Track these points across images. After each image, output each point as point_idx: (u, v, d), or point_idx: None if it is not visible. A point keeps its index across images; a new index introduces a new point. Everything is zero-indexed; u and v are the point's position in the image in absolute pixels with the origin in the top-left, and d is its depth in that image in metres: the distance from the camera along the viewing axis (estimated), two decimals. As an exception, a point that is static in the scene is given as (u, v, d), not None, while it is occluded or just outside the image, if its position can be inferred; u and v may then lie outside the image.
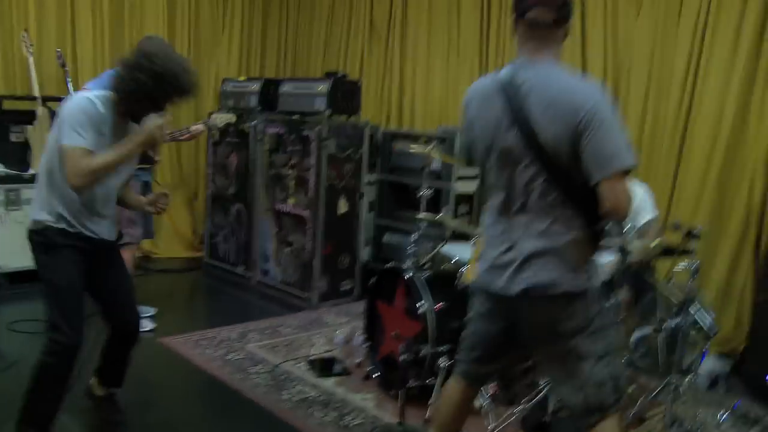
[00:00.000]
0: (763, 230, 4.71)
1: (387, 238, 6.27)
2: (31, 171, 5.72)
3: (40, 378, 3.00)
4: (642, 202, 4.09)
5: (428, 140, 4.76)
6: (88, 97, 2.90)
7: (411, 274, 3.80)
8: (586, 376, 2.33)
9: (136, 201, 3.39)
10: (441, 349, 3.64)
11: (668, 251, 3.64)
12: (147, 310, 5.01)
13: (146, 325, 4.75)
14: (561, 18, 2.31)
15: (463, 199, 5.93)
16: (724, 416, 3.82)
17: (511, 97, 2.27)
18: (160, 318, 4.99)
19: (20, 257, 5.46)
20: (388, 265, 4.16)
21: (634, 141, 5.20)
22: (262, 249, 6.13)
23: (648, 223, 4.05)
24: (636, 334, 4.29)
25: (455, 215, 5.71)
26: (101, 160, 2.81)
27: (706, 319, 3.69)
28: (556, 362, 2.43)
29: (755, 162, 4.73)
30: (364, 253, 6.20)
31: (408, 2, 6.94)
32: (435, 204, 5.85)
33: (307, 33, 8.16)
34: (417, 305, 3.68)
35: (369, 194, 6.32)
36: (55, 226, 2.95)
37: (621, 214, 2.22)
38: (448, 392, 2.74)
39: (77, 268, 3.02)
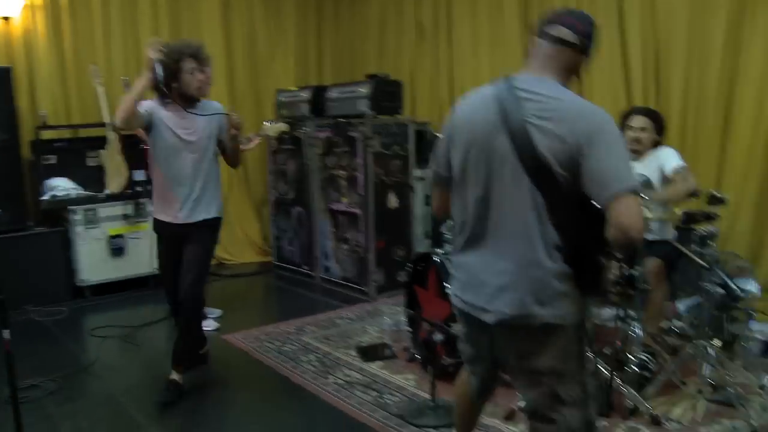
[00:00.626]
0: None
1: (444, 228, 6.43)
2: (107, 191, 6.20)
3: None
4: (669, 153, 4.11)
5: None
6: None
7: (439, 257, 3.97)
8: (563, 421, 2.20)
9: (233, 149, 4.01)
10: (471, 326, 3.79)
11: (691, 218, 3.65)
12: (213, 312, 5.38)
13: (210, 325, 5.11)
14: (581, 46, 2.18)
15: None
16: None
17: (506, 103, 2.11)
18: (226, 318, 5.34)
19: (101, 271, 6.01)
20: (421, 251, 4.34)
21: (679, 114, 5.21)
22: (322, 248, 6.43)
23: (677, 170, 4.02)
24: (682, 304, 4.34)
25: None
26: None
27: (736, 284, 3.70)
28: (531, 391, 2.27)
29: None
30: (424, 245, 6.37)
31: (452, 2, 7.11)
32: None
33: (361, 38, 8.45)
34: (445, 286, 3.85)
35: (423, 189, 6.52)
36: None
37: (628, 237, 1.92)
38: (463, 388, 2.69)
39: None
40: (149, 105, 3.72)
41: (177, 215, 3.84)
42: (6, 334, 2.53)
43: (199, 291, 3.89)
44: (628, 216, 1.91)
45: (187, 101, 3.79)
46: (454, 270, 2.38)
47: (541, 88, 2.10)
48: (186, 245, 3.84)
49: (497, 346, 2.28)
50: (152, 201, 4.07)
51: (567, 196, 2.03)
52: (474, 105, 2.26)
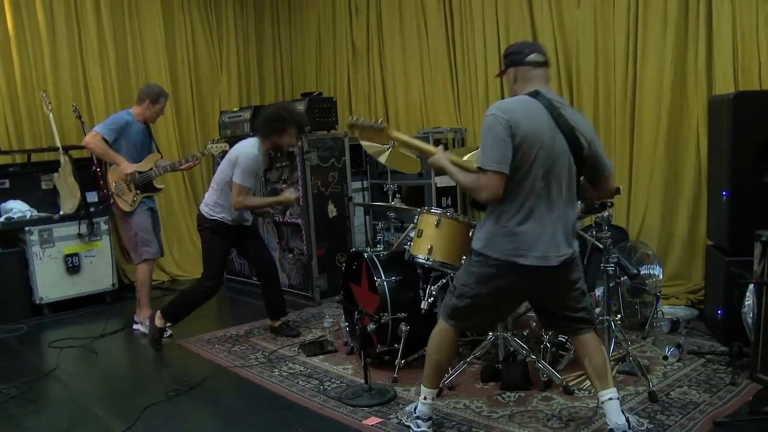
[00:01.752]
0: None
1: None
2: (60, 212, 6.47)
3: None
4: None
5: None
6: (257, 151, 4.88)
7: (366, 254, 4.39)
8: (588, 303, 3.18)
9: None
10: (400, 315, 4.21)
11: (589, 208, 4.09)
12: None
13: (165, 332, 5.44)
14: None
15: (445, 191, 6.49)
16: (671, 351, 4.24)
17: (554, 113, 2.96)
18: (179, 326, 5.62)
19: (58, 288, 6.27)
20: (353, 249, 4.75)
21: (591, 115, 5.76)
22: (269, 258, 6.76)
23: None
24: (598, 290, 4.78)
25: (439, 206, 6.23)
26: (256, 201, 5.09)
27: (628, 267, 4.17)
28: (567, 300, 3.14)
29: (698, 123, 5.19)
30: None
31: (382, 22, 7.60)
32: (419, 198, 6.45)
33: (300, 58, 8.95)
34: (375, 279, 4.26)
35: (361, 199, 6.94)
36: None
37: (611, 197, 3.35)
38: (445, 336, 3.27)
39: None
40: None
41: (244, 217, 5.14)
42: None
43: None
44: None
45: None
46: (511, 237, 2.98)
47: (561, 99, 3.07)
48: (249, 239, 5.31)
49: (556, 278, 3.06)
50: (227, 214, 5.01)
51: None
52: (531, 118, 2.94)
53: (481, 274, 3.06)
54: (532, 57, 3.08)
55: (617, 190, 4.13)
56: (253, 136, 5.11)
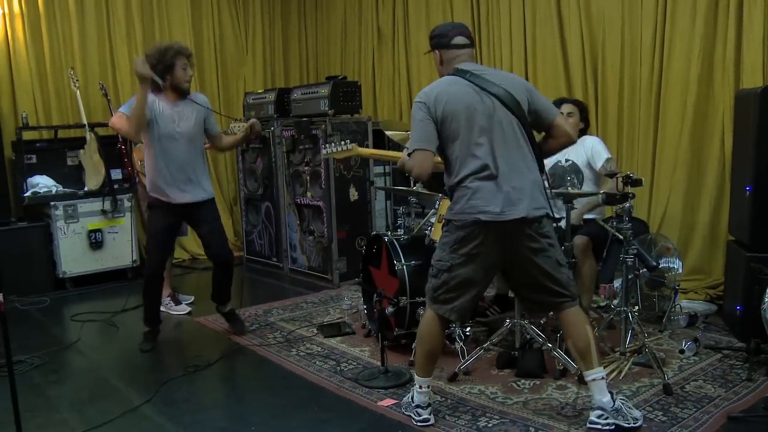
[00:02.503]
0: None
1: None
2: (85, 188, 6.55)
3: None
4: (596, 146, 4.65)
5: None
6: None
7: (387, 238, 4.42)
8: (565, 275, 3.20)
9: (233, 140, 4.94)
10: (419, 299, 4.24)
11: (611, 198, 4.09)
12: (186, 298, 5.79)
13: (184, 309, 5.52)
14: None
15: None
16: (688, 345, 4.24)
17: (475, 80, 3.12)
18: (198, 304, 5.74)
19: (81, 263, 6.37)
20: (374, 233, 4.77)
21: (615, 107, 5.73)
22: (289, 240, 6.84)
23: (607, 162, 4.61)
24: (617, 282, 4.77)
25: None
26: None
27: (647, 259, 4.16)
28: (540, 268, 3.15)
29: (723, 117, 5.14)
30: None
31: (408, 8, 7.59)
32: (440, 184, 6.44)
33: (325, 42, 8.96)
34: (395, 263, 4.29)
35: (383, 183, 6.97)
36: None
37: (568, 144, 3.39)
38: (432, 323, 3.30)
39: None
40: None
41: (178, 197, 4.52)
42: (0, 297, 2.90)
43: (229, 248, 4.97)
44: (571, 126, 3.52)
45: (179, 94, 4.48)
46: (468, 197, 3.08)
47: (484, 67, 3.26)
48: (199, 222, 4.71)
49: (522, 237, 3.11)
50: (148, 184, 4.60)
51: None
52: (448, 89, 3.13)
53: (450, 243, 3.15)
54: (456, 40, 3.25)
55: (639, 182, 4.15)
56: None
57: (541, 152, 3.27)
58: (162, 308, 5.58)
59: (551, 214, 3.21)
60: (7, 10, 6.62)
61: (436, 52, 3.30)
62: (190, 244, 7.80)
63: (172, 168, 4.50)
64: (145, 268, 4.69)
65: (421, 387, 3.37)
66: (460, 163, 3.11)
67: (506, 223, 3.03)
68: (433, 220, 4.27)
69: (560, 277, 3.17)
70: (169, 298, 5.58)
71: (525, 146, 3.15)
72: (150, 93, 4.37)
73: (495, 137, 3.08)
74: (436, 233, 4.11)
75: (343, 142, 3.84)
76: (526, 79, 6.37)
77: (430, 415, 3.37)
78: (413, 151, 3.09)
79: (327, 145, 3.89)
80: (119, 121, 5.08)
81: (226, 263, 4.87)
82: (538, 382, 3.85)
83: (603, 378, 3.15)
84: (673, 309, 4.84)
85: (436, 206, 4.23)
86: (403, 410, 3.51)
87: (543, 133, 3.36)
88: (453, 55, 3.25)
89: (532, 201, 3.08)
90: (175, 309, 5.57)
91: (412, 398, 3.42)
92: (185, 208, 4.61)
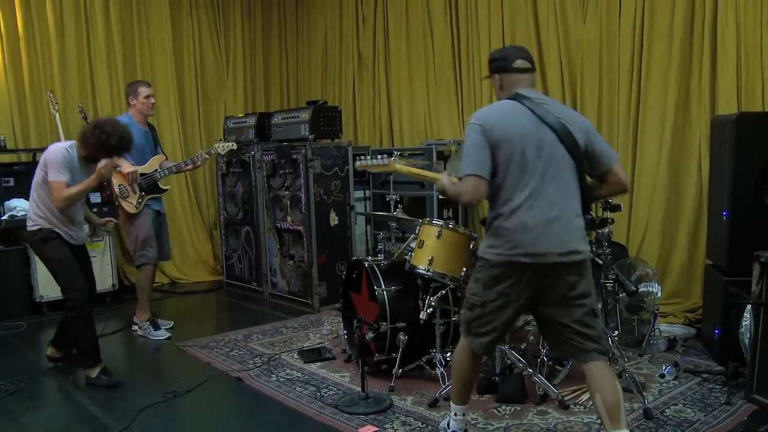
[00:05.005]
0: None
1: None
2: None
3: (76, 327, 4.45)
4: None
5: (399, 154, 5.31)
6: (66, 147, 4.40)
7: (367, 264, 4.41)
8: (599, 327, 3.00)
9: (93, 219, 5.04)
10: (399, 325, 4.23)
11: (591, 223, 4.11)
12: (165, 323, 5.75)
13: (163, 334, 5.47)
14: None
15: (446, 203, 6.49)
16: (668, 369, 4.25)
17: (537, 111, 2.96)
18: (179, 328, 5.70)
19: (58, 287, 6.25)
20: (354, 258, 4.77)
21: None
22: (269, 264, 6.82)
23: None
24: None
25: (440, 218, 6.24)
26: (74, 190, 4.36)
27: (626, 284, 4.20)
28: (571, 314, 2.97)
29: (700, 143, 5.21)
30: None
31: (388, 33, 7.65)
32: (421, 209, 6.48)
33: (306, 66, 9.01)
34: (375, 288, 4.28)
35: (363, 208, 6.97)
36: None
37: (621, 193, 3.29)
38: (467, 353, 3.21)
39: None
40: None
41: (78, 236, 4.67)
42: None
43: None
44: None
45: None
46: (507, 236, 2.93)
47: (547, 98, 3.08)
48: (81, 258, 4.67)
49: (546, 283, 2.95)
50: (48, 220, 4.51)
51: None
52: (506, 115, 2.98)
53: (484, 279, 3.03)
54: (518, 63, 3.09)
55: (618, 207, 4.19)
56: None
57: (589, 196, 3.11)
58: (139, 333, 5.55)
59: (591, 260, 3.08)
60: (-14, 32, 6.59)
61: (496, 76, 3.13)
62: (169, 269, 7.75)
63: (70, 211, 4.54)
64: (71, 294, 4.46)
65: (456, 414, 3.32)
66: (505, 195, 2.94)
67: (545, 266, 2.89)
68: (413, 245, 4.27)
69: (592, 328, 2.96)
70: (148, 323, 5.52)
71: (574, 188, 2.98)
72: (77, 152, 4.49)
73: (546, 174, 2.91)
74: (416, 258, 4.10)
75: (380, 156, 3.74)
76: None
77: None
78: (466, 176, 2.92)
79: (362, 157, 3.79)
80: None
81: (94, 294, 4.95)
82: (518, 408, 3.85)
83: None
84: (653, 333, 4.87)
85: (417, 231, 4.23)
86: None
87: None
88: (514, 79, 3.08)
89: (574, 245, 2.92)
90: (154, 334, 5.52)
91: (448, 425, 3.39)
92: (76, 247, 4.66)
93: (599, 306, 4.47)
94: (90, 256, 4.90)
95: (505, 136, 2.91)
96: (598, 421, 3.50)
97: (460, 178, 2.97)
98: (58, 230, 4.49)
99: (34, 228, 4.47)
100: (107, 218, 5.10)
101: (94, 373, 4.48)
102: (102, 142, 4.33)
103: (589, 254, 3.01)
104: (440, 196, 6.31)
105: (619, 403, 2.86)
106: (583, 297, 2.96)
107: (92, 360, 4.51)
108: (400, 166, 3.63)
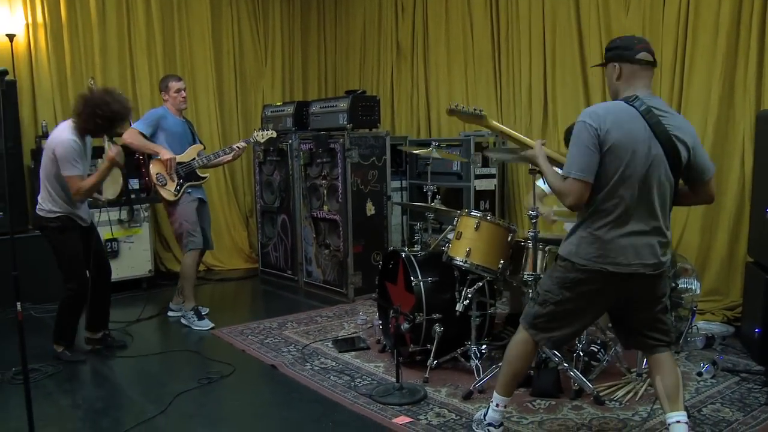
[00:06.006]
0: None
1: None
2: (103, 197, 6.57)
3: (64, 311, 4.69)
4: None
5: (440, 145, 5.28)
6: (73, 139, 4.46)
7: (404, 254, 4.40)
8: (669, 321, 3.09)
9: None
10: (435, 316, 4.22)
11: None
12: (203, 309, 5.77)
13: (207, 324, 5.54)
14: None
15: (483, 195, 6.49)
16: (706, 368, 4.19)
17: (651, 120, 2.84)
18: (214, 315, 5.71)
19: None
20: (390, 248, 4.76)
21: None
22: (305, 253, 6.84)
23: None
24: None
25: (477, 209, 6.22)
26: (90, 182, 4.53)
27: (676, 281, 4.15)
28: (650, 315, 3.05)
29: (744, 138, 5.11)
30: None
31: (428, 23, 7.61)
32: (458, 201, 6.45)
33: (344, 56, 9.00)
34: (411, 279, 4.27)
35: (400, 198, 6.97)
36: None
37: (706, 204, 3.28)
38: (525, 345, 3.17)
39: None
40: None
41: (88, 215, 4.80)
42: (18, 306, 2.92)
43: None
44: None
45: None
46: (599, 244, 2.90)
47: (663, 106, 2.93)
48: (90, 237, 4.81)
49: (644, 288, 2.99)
50: (69, 204, 4.63)
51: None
52: (622, 125, 2.84)
53: (565, 280, 2.99)
54: (642, 55, 2.94)
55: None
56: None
57: (676, 201, 3.06)
58: (183, 321, 5.60)
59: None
60: (30, 20, 6.68)
61: (616, 65, 2.97)
62: (205, 256, 7.79)
63: None
64: (73, 284, 4.66)
65: (498, 405, 3.29)
66: (604, 204, 2.88)
67: (634, 277, 2.90)
68: (450, 236, 4.26)
69: (665, 324, 3.06)
70: (192, 312, 5.56)
71: (668, 202, 2.96)
72: (74, 129, 4.51)
73: (647, 188, 2.86)
74: (453, 250, 4.09)
75: (474, 107, 3.65)
76: (545, 94, 6.37)
77: None
78: (571, 177, 2.85)
79: (457, 104, 3.74)
80: (131, 136, 5.18)
81: (109, 270, 5.04)
82: (553, 402, 3.82)
83: (687, 423, 2.96)
84: (690, 330, 4.80)
85: (455, 222, 4.21)
86: (474, 427, 3.47)
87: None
88: (636, 71, 2.94)
89: (660, 254, 2.92)
90: (198, 324, 5.52)
91: (485, 416, 3.36)
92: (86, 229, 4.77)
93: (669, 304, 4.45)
94: (98, 233, 5.00)
95: (617, 145, 2.82)
96: (639, 415, 3.48)
97: (565, 178, 2.91)
98: (74, 216, 4.62)
99: (52, 216, 4.56)
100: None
101: (60, 348, 4.71)
102: (105, 116, 4.41)
103: (669, 264, 3.04)
104: (475, 181, 6.31)
105: (679, 386, 2.97)
106: (663, 297, 3.03)
107: (65, 341, 4.74)
108: (495, 123, 3.51)
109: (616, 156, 2.82)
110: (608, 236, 2.87)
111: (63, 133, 4.48)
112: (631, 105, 2.87)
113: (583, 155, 2.83)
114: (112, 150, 4.60)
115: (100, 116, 4.39)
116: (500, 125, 3.55)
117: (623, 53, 2.95)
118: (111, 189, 6.56)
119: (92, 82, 6.52)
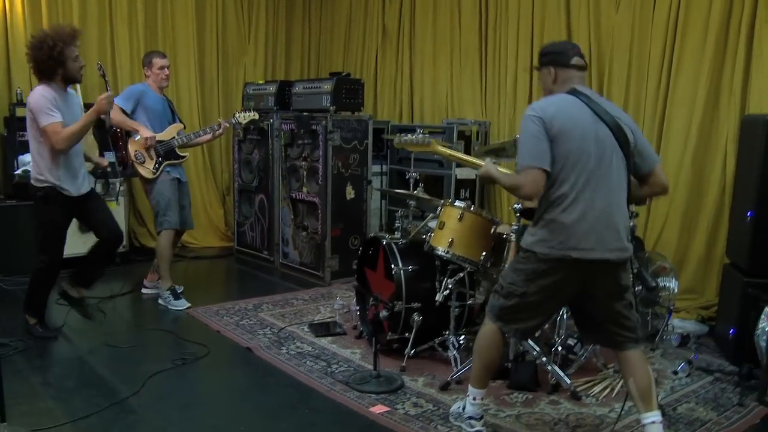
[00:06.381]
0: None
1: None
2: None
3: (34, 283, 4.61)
4: None
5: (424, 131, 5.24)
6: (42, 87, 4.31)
7: (385, 241, 4.37)
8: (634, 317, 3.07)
9: (93, 158, 5.04)
10: (414, 305, 4.20)
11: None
12: (178, 288, 5.68)
13: (183, 304, 5.46)
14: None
15: (464, 183, 6.46)
16: (681, 366, 4.22)
17: (594, 107, 2.95)
18: (188, 293, 5.63)
19: (70, 245, 6.16)
20: (371, 235, 4.72)
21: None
22: (282, 234, 6.78)
23: None
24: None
25: (457, 198, 6.20)
26: (74, 128, 4.27)
27: (647, 279, 4.15)
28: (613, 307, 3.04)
29: (727, 140, 5.13)
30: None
31: (415, 8, 7.54)
32: (438, 188, 6.42)
33: (329, 37, 8.91)
34: (391, 267, 4.24)
35: (380, 183, 6.92)
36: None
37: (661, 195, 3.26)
38: (493, 336, 3.18)
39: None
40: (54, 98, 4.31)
41: (81, 184, 4.57)
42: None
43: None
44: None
45: (67, 84, 4.53)
46: (560, 231, 2.91)
47: (600, 98, 3.06)
48: (92, 210, 4.70)
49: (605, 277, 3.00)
50: (51, 174, 4.41)
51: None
52: (566, 108, 2.95)
53: (528, 271, 3.00)
54: (575, 60, 3.07)
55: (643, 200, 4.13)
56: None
57: (631, 195, 3.08)
58: (160, 301, 5.51)
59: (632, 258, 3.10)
60: (6, -16, 6.50)
61: (552, 69, 3.09)
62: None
63: (72, 159, 4.47)
64: (45, 256, 4.60)
65: (474, 399, 3.28)
66: (560, 190, 2.91)
67: (593, 262, 2.90)
68: (431, 224, 4.23)
69: (630, 320, 3.04)
70: (168, 292, 5.47)
71: (624, 186, 2.99)
72: (45, 84, 4.36)
73: (602, 171, 2.91)
74: (436, 240, 4.06)
75: (422, 135, 3.67)
76: (530, 87, 6.35)
77: (482, 427, 3.31)
78: (525, 168, 2.88)
79: (403, 134, 3.73)
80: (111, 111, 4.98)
81: (118, 240, 4.92)
82: (530, 396, 3.83)
83: (661, 422, 3.00)
84: (666, 328, 4.83)
85: (438, 212, 4.18)
86: (452, 420, 3.46)
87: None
88: (570, 75, 3.06)
89: (621, 243, 2.95)
90: (174, 304, 5.44)
91: (464, 408, 3.35)
92: (80, 200, 4.57)
93: (634, 300, 4.46)
94: (103, 200, 4.91)
95: (565, 131, 2.89)
96: (615, 412, 3.49)
97: (519, 171, 2.93)
98: (59, 188, 4.41)
99: (39, 185, 4.41)
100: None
101: (32, 321, 4.65)
102: (51, 48, 4.27)
103: (632, 252, 3.03)
104: (456, 169, 6.29)
105: (651, 386, 3.00)
106: (626, 291, 3.03)
107: (33, 313, 4.66)
108: (443, 149, 3.57)
109: (566, 140, 2.89)
110: (569, 219, 2.89)
111: (34, 90, 4.36)
112: (572, 95, 3.00)
113: (533, 144, 2.90)
114: (102, 98, 4.40)
115: (47, 52, 4.25)
116: (448, 150, 3.62)
117: (558, 58, 3.09)
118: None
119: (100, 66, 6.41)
